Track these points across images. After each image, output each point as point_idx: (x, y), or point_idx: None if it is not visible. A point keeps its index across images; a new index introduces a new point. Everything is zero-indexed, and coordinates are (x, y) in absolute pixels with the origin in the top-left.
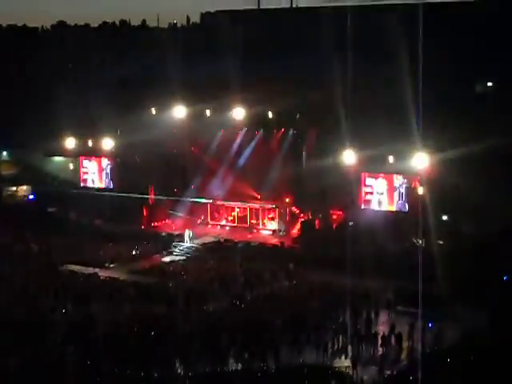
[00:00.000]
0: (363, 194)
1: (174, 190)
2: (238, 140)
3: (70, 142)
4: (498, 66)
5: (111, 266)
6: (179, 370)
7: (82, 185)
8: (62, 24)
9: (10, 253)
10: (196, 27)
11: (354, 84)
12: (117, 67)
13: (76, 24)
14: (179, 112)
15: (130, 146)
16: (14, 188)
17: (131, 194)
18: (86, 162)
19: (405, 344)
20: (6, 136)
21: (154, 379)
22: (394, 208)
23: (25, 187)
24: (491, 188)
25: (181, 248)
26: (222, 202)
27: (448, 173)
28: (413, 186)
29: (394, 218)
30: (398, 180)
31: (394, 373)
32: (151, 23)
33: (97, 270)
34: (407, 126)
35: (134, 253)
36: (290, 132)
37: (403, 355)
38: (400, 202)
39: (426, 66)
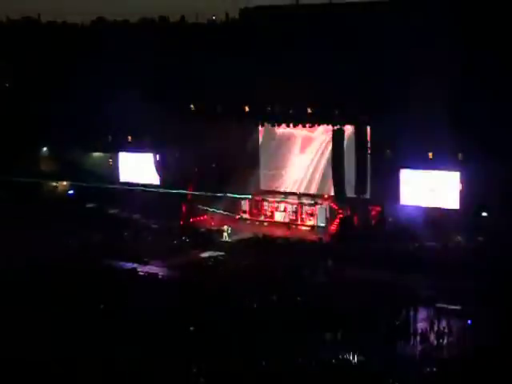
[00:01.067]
0: (403, 189)
1: (213, 185)
2: (278, 135)
3: (109, 138)
4: None
5: (150, 261)
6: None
7: (120, 180)
8: (101, 19)
9: (52, 248)
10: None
11: (397, 78)
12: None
13: (115, 20)
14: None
15: (169, 141)
16: (55, 184)
17: (170, 190)
18: (124, 158)
19: (444, 341)
20: (46, 132)
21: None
22: (433, 204)
23: (65, 183)
24: None
25: (219, 243)
26: (260, 198)
27: (487, 169)
28: (453, 182)
29: (434, 214)
30: (438, 176)
31: (434, 370)
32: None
33: (135, 265)
34: (451, 121)
35: (172, 248)
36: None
37: (442, 352)
38: (439, 198)
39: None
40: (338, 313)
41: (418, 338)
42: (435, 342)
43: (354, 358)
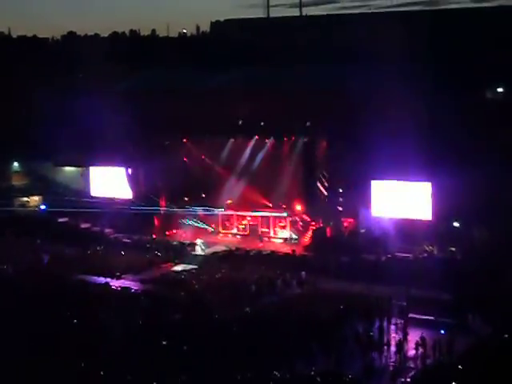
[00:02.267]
0: (374, 201)
1: (184, 199)
2: (249, 148)
3: (81, 152)
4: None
5: (122, 275)
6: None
7: (93, 194)
8: (71, 34)
9: (22, 263)
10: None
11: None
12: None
13: (86, 34)
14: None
15: (141, 155)
16: (26, 198)
17: (143, 204)
18: (96, 172)
19: (417, 351)
20: (17, 147)
21: None
22: (405, 215)
23: (36, 197)
24: (502, 194)
25: (192, 257)
26: (232, 211)
27: (459, 179)
28: (424, 192)
29: (406, 225)
30: (410, 187)
31: (408, 380)
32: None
33: (108, 279)
34: (422, 132)
35: (145, 262)
36: (301, 140)
37: (415, 363)
38: (411, 208)
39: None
40: (312, 324)
41: (392, 349)
42: (408, 353)
43: (328, 369)
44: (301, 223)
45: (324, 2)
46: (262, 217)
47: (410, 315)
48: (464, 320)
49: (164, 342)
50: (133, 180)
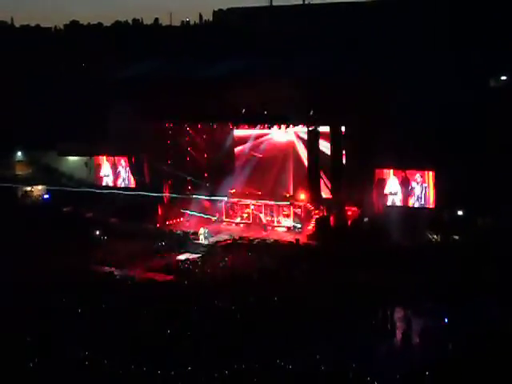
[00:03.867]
0: (378, 189)
1: (188, 188)
2: (253, 136)
3: (85, 141)
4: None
5: (127, 264)
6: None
7: (97, 184)
8: (74, 24)
9: (25, 252)
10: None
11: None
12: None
13: (89, 23)
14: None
15: (144, 144)
16: (29, 188)
17: (146, 193)
18: (100, 161)
19: (421, 340)
20: (21, 136)
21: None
22: (408, 203)
23: (40, 187)
24: (506, 182)
25: (195, 246)
26: (236, 200)
27: (462, 167)
28: (427, 181)
29: (409, 213)
30: (413, 175)
31: (410, 370)
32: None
33: (112, 268)
34: (426, 120)
35: (149, 251)
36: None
37: (419, 351)
38: (415, 197)
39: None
40: (316, 313)
41: (396, 338)
42: (413, 342)
43: (331, 358)
44: (304, 212)
45: None
46: (265, 205)
47: (414, 304)
48: (468, 308)
49: (168, 331)
50: (136, 169)
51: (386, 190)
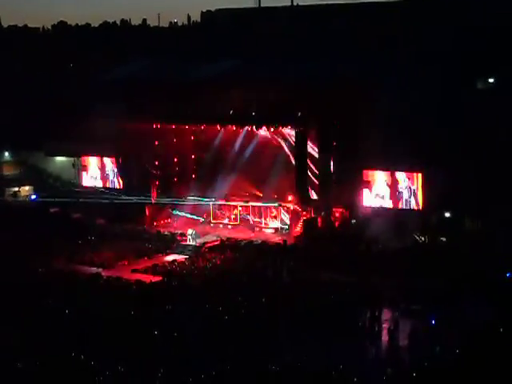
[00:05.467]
0: (365, 191)
1: (176, 189)
2: (240, 138)
3: (72, 142)
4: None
5: (114, 265)
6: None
7: (84, 184)
8: (62, 24)
9: (13, 253)
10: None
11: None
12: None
13: (77, 24)
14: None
15: (132, 145)
16: (17, 188)
17: (134, 194)
18: (87, 162)
19: (408, 341)
20: (8, 136)
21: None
22: (396, 205)
23: (27, 187)
24: (493, 184)
25: (183, 247)
26: (224, 201)
27: (449, 169)
28: (415, 182)
29: (397, 215)
30: (401, 177)
31: (397, 370)
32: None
33: (100, 269)
34: (414, 122)
35: (136, 252)
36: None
37: (406, 352)
38: (402, 199)
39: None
40: (302, 314)
41: (382, 339)
42: (399, 343)
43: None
44: (292, 213)
45: None
46: (253, 207)
47: (401, 305)
48: (455, 310)
49: (155, 332)
50: (124, 170)
51: (374, 192)
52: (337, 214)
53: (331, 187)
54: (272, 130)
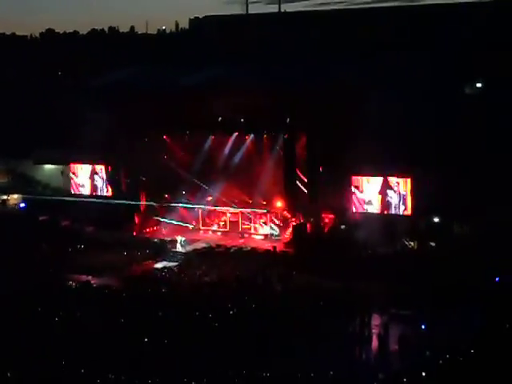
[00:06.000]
0: (354, 196)
1: (165, 196)
2: (229, 145)
3: (60, 150)
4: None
5: (103, 273)
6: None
7: (73, 192)
8: (50, 32)
9: (1, 261)
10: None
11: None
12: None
13: (64, 31)
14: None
15: (121, 152)
16: (5, 197)
17: (123, 201)
18: (76, 169)
19: (398, 346)
20: None
21: None
22: (385, 211)
23: (16, 196)
24: (482, 189)
25: (173, 254)
26: (213, 208)
27: (438, 174)
28: (404, 187)
29: (386, 220)
30: (389, 182)
31: (388, 375)
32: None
33: (89, 277)
34: (402, 127)
35: (126, 260)
36: (281, 136)
37: (396, 358)
38: (391, 204)
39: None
40: (293, 320)
41: (373, 345)
42: (390, 348)
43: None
44: (281, 219)
45: None
46: (242, 213)
47: (391, 311)
48: (444, 315)
49: (146, 339)
50: (113, 177)
51: (363, 197)
52: (326, 220)
53: (320, 193)
54: (260, 136)
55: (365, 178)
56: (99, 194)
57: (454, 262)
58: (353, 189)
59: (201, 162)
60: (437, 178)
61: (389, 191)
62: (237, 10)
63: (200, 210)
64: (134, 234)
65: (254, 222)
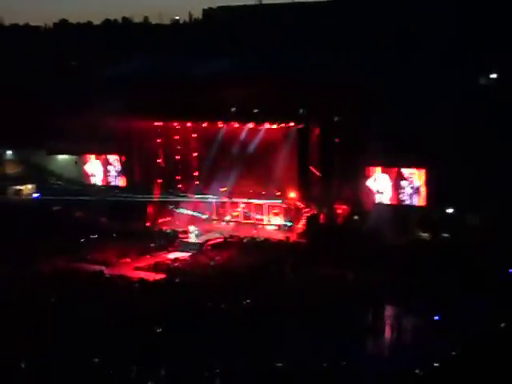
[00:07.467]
0: (368, 187)
1: (178, 186)
2: (243, 135)
3: (74, 140)
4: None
5: (117, 263)
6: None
7: (86, 183)
8: (64, 22)
9: (16, 251)
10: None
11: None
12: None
13: (78, 22)
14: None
15: (134, 143)
16: (19, 187)
17: (137, 192)
18: (90, 160)
19: (411, 337)
20: (10, 135)
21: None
22: (398, 201)
23: (30, 186)
24: (496, 180)
25: (186, 245)
26: (226, 199)
27: (452, 165)
28: (418, 179)
29: (399, 211)
30: (404, 173)
31: (400, 367)
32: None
33: (102, 267)
34: (417, 119)
35: (139, 250)
36: (294, 127)
37: (410, 349)
38: (405, 195)
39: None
40: (306, 311)
41: (386, 336)
42: (403, 340)
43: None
44: (295, 210)
45: None
46: (255, 204)
47: (404, 302)
48: (457, 306)
49: (159, 330)
50: (126, 168)
51: (376, 188)
52: (339, 211)
53: (334, 183)
54: (274, 126)
55: (379, 169)
56: (113, 184)
57: (467, 253)
58: (366, 180)
59: (214, 152)
60: (451, 169)
61: (403, 182)
62: (250, 0)
63: (213, 201)
64: (148, 224)
65: (268, 213)
